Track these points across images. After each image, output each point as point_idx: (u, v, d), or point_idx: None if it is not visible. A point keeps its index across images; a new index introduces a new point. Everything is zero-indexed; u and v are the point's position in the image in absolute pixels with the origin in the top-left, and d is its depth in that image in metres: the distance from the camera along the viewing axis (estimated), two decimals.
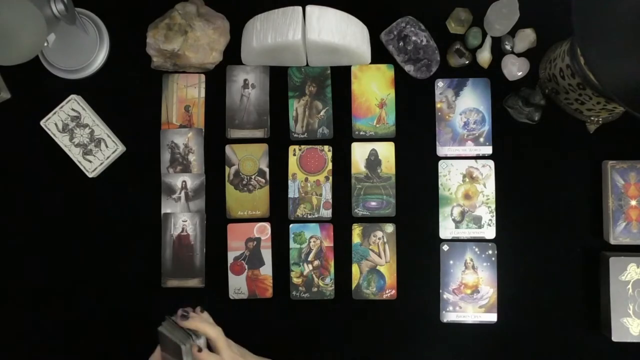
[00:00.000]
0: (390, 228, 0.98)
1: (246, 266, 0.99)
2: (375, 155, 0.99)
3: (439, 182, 0.99)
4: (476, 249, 0.98)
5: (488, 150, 0.99)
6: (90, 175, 0.99)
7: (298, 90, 1.00)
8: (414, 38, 0.97)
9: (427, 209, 0.99)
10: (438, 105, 1.00)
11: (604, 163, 0.97)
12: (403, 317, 0.98)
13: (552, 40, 0.97)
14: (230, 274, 0.99)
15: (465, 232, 0.98)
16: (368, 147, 0.99)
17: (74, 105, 0.98)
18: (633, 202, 0.95)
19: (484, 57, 0.98)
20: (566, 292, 0.97)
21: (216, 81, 1.01)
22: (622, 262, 0.93)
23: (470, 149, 0.99)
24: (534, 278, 0.97)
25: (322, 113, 1.00)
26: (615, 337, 0.93)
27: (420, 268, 0.98)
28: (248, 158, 1.00)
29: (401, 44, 0.98)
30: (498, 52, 0.99)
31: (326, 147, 0.99)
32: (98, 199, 1.00)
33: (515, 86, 0.97)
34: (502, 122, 0.98)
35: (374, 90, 1.00)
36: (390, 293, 0.98)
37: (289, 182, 0.99)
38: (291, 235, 0.99)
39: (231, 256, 0.99)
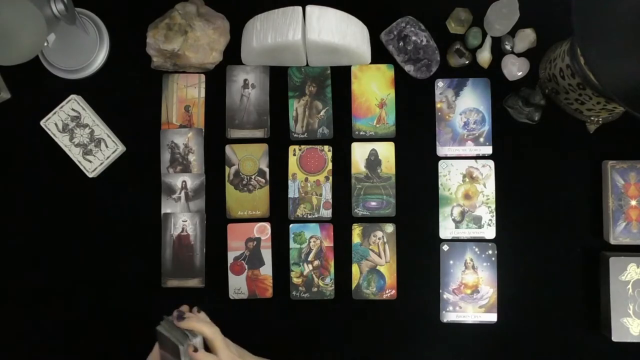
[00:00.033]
0: (390, 228, 0.98)
1: (246, 266, 0.99)
2: (375, 155, 0.99)
3: (439, 182, 0.99)
4: (476, 249, 0.98)
5: (488, 150, 0.99)
6: (90, 175, 0.99)
7: (298, 90, 1.00)
8: (414, 38, 0.97)
9: (427, 209, 0.99)
10: (438, 105, 1.00)
11: (604, 163, 0.97)
12: (403, 317, 0.98)
13: (552, 40, 0.97)
14: (230, 274, 0.99)
15: (465, 232, 0.98)
16: (368, 147, 0.99)
17: (74, 105, 0.98)
18: (633, 202, 0.95)
19: (484, 57, 0.98)
20: (566, 292, 0.97)
21: (216, 81, 1.01)
22: (622, 262, 0.93)
23: (470, 149, 0.99)
24: (534, 278, 0.97)
25: (322, 113, 1.00)
26: (615, 337, 0.93)
27: (420, 268, 0.98)
28: (248, 158, 1.00)
29: (401, 44, 0.98)
30: (498, 52, 0.99)
31: (326, 147, 0.99)
32: (98, 199, 1.00)
33: (515, 86, 0.97)
34: (502, 122, 0.98)
35: (374, 90, 1.00)
36: (390, 293, 0.98)
37: (289, 182, 0.99)
38: (291, 235, 0.99)
39: (231, 256, 0.99)
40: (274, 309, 0.99)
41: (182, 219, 0.99)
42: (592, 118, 0.95)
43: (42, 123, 0.98)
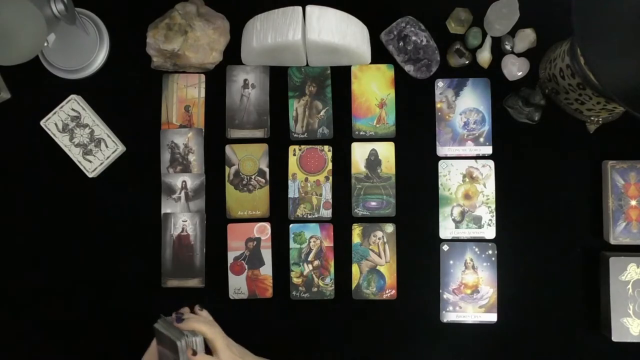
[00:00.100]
0: (390, 228, 0.98)
1: (246, 266, 0.99)
2: (375, 155, 0.99)
3: (439, 182, 0.99)
4: (476, 249, 0.98)
5: (488, 150, 0.99)
6: (90, 175, 0.99)
7: (298, 90, 1.00)
8: (414, 38, 0.97)
9: (427, 209, 0.99)
10: (438, 105, 1.00)
11: (604, 163, 0.97)
12: (403, 317, 0.98)
13: (552, 40, 0.97)
14: (230, 274, 0.99)
15: (465, 232, 0.98)
16: (368, 147, 0.99)
17: (74, 105, 0.98)
18: (633, 202, 0.95)
19: (484, 57, 0.98)
20: (566, 292, 0.97)
21: (216, 81, 1.01)
22: (622, 262, 0.93)
23: (470, 149, 0.99)
24: (534, 278, 0.97)
25: (322, 113, 1.00)
26: (615, 337, 0.93)
27: (420, 268, 0.98)
28: (248, 158, 1.00)
29: (401, 44, 0.98)
30: (498, 52, 0.99)
31: (326, 147, 0.99)
32: (98, 199, 1.00)
33: (515, 86, 0.97)
34: (502, 122, 0.98)
35: (374, 90, 1.00)
36: (390, 293, 0.98)
37: (289, 182, 0.99)
38: (291, 235, 0.99)
39: (231, 256, 0.99)
40: (274, 309, 0.99)
41: (182, 219, 0.99)
42: (592, 118, 0.95)
43: (42, 123, 0.98)
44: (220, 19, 0.99)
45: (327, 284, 0.98)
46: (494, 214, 0.98)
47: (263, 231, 0.99)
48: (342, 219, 0.99)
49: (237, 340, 0.82)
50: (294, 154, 0.99)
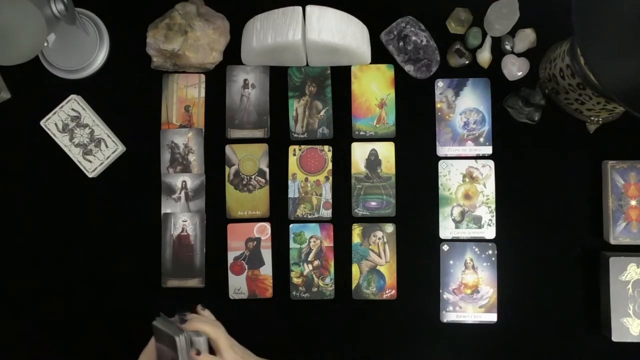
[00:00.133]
0: (390, 228, 0.98)
1: (246, 266, 0.99)
2: (375, 155, 0.99)
3: (439, 182, 0.99)
4: (476, 249, 0.98)
5: (488, 150, 0.99)
6: (90, 175, 0.99)
7: (298, 90, 1.00)
8: (414, 38, 0.97)
9: (427, 209, 0.99)
10: (438, 105, 1.00)
11: (604, 163, 0.97)
12: (403, 317, 0.98)
13: (552, 40, 0.97)
14: (230, 274, 0.99)
15: (465, 232, 0.98)
16: (368, 147, 0.99)
17: (74, 105, 0.98)
18: (633, 202, 0.95)
19: (484, 57, 0.98)
20: (566, 292, 0.97)
21: (216, 81, 1.01)
22: (622, 262, 0.93)
23: (470, 149, 0.99)
24: (534, 278, 0.97)
25: (322, 113, 1.00)
26: (615, 337, 0.93)
27: (420, 268, 0.98)
28: (248, 158, 1.00)
29: (401, 44, 0.98)
30: (498, 52, 0.99)
31: (326, 147, 0.99)
32: (98, 199, 1.00)
33: (515, 86, 0.97)
34: (502, 122, 0.98)
35: (374, 90, 1.00)
36: (390, 293, 0.98)
37: (289, 182, 0.99)
38: (291, 235, 0.99)
39: (231, 256, 0.99)
40: (274, 309, 0.99)
41: (182, 219, 0.99)
42: (592, 118, 0.95)
43: (42, 123, 0.98)
44: (220, 19, 0.99)
45: (327, 284, 0.98)
46: (494, 214, 0.98)
47: (263, 231, 0.99)
48: (342, 219, 0.99)
49: (237, 340, 0.82)
50: (294, 154, 0.99)
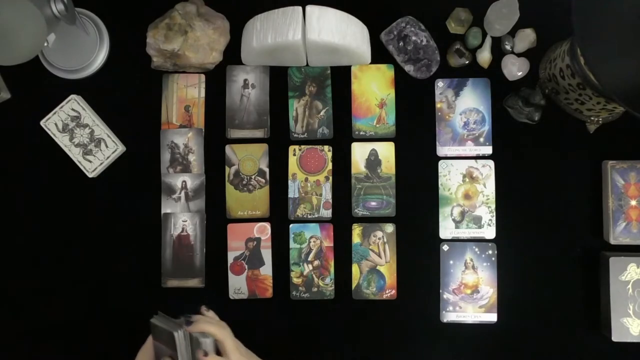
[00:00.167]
0: (390, 228, 0.98)
1: (246, 266, 0.99)
2: (375, 155, 0.99)
3: (439, 182, 0.99)
4: (476, 249, 0.98)
5: (488, 150, 0.99)
6: (90, 175, 0.99)
7: (298, 90, 1.00)
8: (414, 38, 0.97)
9: (427, 209, 0.99)
10: (438, 105, 1.00)
11: (604, 163, 0.97)
12: (403, 317, 0.98)
13: (552, 40, 0.97)
14: (230, 274, 0.99)
15: (465, 232, 0.98)
16: (368, 147, 0.99)
17: (74, 105, 0.98)
18: (633, 202, 0.95)
19: (484, 57, 0.98)
20: (566, 292, 0.97)
21: (216, 81, 1.01)
22: (622, 262, 0.93)
23: (470, 149, 0.99)
24: (534, 278, 0.97)
25: (322, 113, 1.00)
26: (615, 337, 0.93)
27: (420, 268, 0.98)
28: (248, 158, 1.00)
29: (401, 44, 0.98)
30: (498, 52, 0.99)
31: (326, 147, 0.99)
32: (98, 199, 1.00)
33: (515, 86, 0.97)
34: (502, 122, 0.98)
35: (374, 90, 1.00)
36: (390, 293, 0.98)
37: (289, 182, 0.99)
38: (291, 235, 0.99)
39: (231, 256, 0.99)
40: (274, 309, 0.99)
41: (182, 219, 0.99)
42: (592, 118, 0.95)
43: (42, 123, 0.98)
44: (220, 19, 0.99)
45: (327, 284, 0.98)
46: (494, 214, 0.98)
47: (263, 231, 0.99)
48: (342, 219, 0.99)
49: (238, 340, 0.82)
50: (294, 154, 0.99)
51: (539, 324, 0.97)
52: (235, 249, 0.99)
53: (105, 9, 1.00)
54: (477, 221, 0.98)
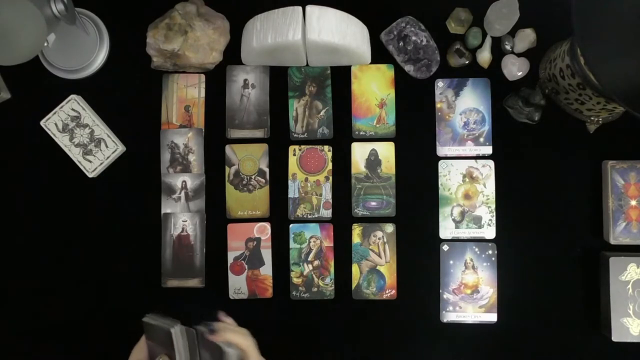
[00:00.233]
0: (390, 228, 0.98)
1: (246, 266, 0.99)
2: (375, 155, 0.99)
3: (439, 182, 0.99)
4: (476, 249, 0.97)
5: (488, 150, 0.99)
6: (90, 175, 0.99)
7: (298, 90, 1.00)
8: (414, 38, 0.97)
9: (427, 209, 0.99)
10: (438, 105, 1.00)
11: (604, 163, 0.97)
12: (403, 317, 0.98)
13: (552, 40, 0.97)
14: (230, 274, 0.99)
15: (465, 232, 0.98)
16: (368, 147, 0.99)
17: (74, 105, 0.98)
18: (633, 202, 0.95)
19: (484, 57, 0.98)
20: (566, 292, 0.97)
21: (216, 81, 1.01)
22: (622, 262, 0.93)
23: (470, 149, 0.99)
24: (534, 278, 0.97)
25: (322, 113, 1.00)
26: (615, 337, 0.93)
27: (420, 268, 0.98)
28: (248, 158, 1.00)
29: (401, 44, 0.98)
30: (498, 52, 0.99)
31: (326, 147, 0.99)
32: (98, 199, 1.00)
33: (515, 86, 0.97)
34: (502, 122, 0.98)
35: (374, 90, 1.00)
36: (390, 293, 0.98)
37: (289, 182, 0.99)
38: (291, 235, 0.99)
39: (231, 256, 0.99)
40: (274, 309, 0.99)
41: (182, 219, 0.99)
42: (592, 118, 0.95)
43: (42, 123, 0.98)
44: (220, 19, 0.99)
45: (327, 284, 0.98)
46: (494, 214, 0.98)
47: (263, 231, 0.99)
48: (342, 219, 0.99)
49: None
50: (294, 154, 0.99)
51: (539, 324, 0.97)
52: (235, 249, 0.99)
53: (105, 9, 1.00)
54: (477, 221, 0.98)
